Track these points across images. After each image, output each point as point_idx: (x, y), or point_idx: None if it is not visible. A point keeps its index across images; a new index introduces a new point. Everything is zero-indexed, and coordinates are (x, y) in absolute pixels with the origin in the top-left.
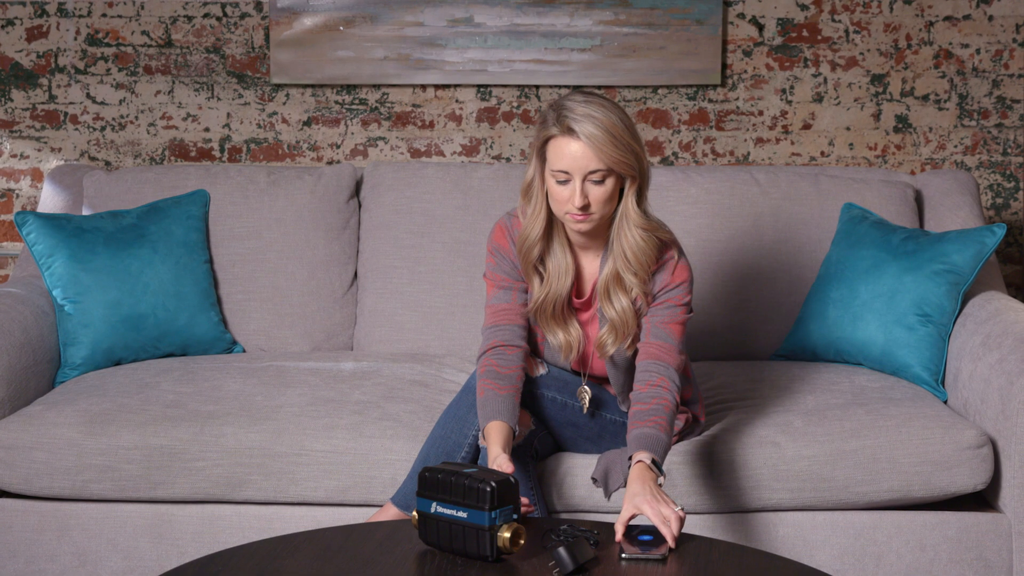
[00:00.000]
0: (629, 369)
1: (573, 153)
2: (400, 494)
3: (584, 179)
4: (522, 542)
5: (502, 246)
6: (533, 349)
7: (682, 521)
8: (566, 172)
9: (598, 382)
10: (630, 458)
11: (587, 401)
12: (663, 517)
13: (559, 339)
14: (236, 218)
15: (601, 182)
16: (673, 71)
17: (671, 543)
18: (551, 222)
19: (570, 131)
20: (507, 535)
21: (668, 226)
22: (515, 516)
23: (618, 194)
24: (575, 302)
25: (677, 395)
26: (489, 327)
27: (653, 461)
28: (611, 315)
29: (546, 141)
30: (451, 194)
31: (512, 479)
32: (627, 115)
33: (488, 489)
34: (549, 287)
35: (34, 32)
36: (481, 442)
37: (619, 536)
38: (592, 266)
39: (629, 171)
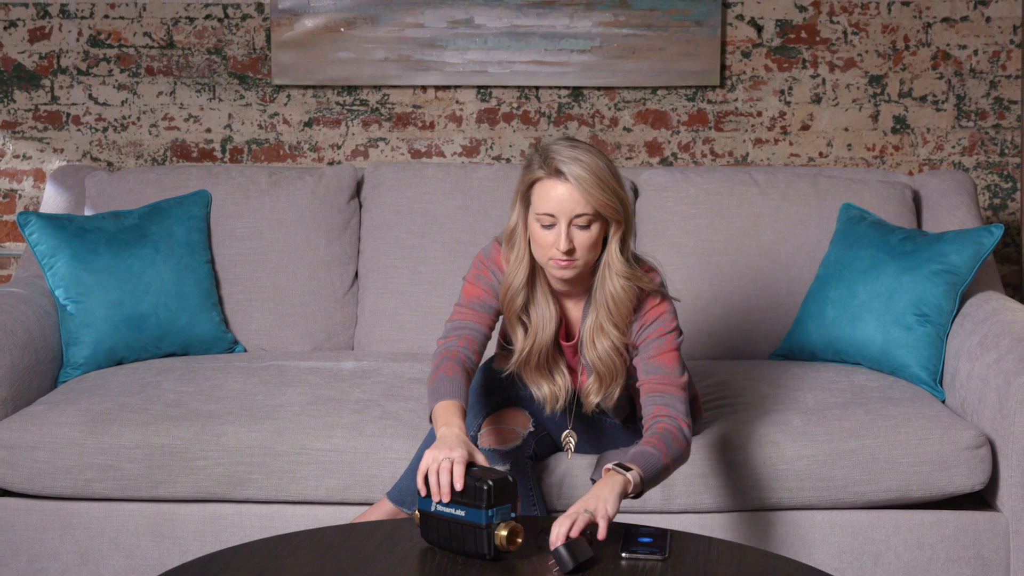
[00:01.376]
0: (619, 398)
1: (560, 196)
2: (396, 490)
3: (570, 223)
4: (520, 540)
5: (501, 267)
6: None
7: (603, 519)
8: (552, 215)
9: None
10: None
11: (572, 447)
12: (594, 513)
13: (543, 391)
14: (237, 218)
15: (587, 227)
16: (672, 72)
17: (576, 529)
18: (534, 270)
19: (558, 173)
20: (504, 533)
21: (654, 260)
22: (513, 515)
23: (602, 243)
24: (564, 346)
25: (681, 420)
26: (461, 321)
27: (626, 468)
28: (592, 357)
29: (531, 184)
30: (451, 194)
31: (510, 478)
32: (612, 162)
33: (485, 488)
34: (534, 338)
35: (36, 33)
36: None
37: (552, 542)
38: (577, 311)
39: (615, 215)
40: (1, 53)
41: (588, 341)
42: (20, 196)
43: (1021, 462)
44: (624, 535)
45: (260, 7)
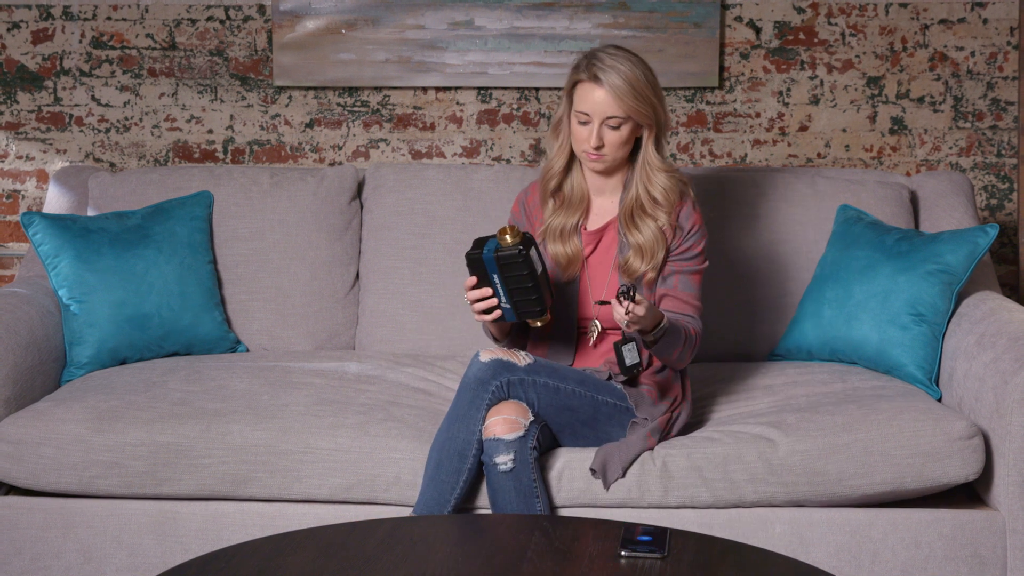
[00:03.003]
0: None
1: (595, 99)
2: (421, 504)
3: (602, 123)
4: (515, 229)
5: (515, 214)
6: (521, 344)
7: (625, 314)
8: (587, 114)
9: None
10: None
11: (595, 335)
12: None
13: (560, 251)
14: (239, 219)
15: (617, 128)
16: (671, 73)
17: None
18: (572, 158)
19: (596, 79)
20: (507, 235)
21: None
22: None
23: (634, 141)
24: (584, 234)
25: (701, 331)
26: None
27: (661, 326)
28: (638, 240)
29: (575, 84)
30: (452, 195)
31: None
32: (651, 71)
33: (468, 253)
34: (561, 210)
35: (39, 35)
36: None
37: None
38: (605, 207)
39: (646, 120)
40: (4, 55)
41: (627, 220)
42: (23, 197)
43: (1018, 460)
44: (623, 534)
45: (261, 9)
